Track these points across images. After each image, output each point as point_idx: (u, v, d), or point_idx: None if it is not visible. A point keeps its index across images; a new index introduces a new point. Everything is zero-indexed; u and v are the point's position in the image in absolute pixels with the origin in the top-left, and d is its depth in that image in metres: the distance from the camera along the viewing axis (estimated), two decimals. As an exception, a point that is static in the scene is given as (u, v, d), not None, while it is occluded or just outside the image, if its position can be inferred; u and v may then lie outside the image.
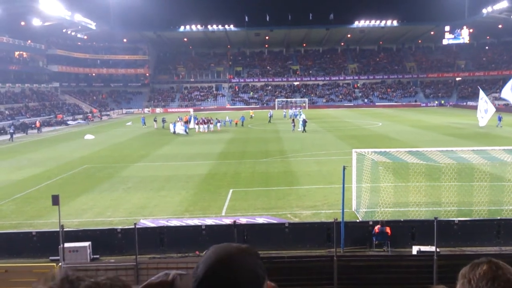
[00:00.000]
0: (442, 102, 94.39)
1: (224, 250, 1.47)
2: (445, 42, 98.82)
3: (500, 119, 48.32)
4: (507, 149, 18.66)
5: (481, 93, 49.05)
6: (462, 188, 19.14)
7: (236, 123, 55.92)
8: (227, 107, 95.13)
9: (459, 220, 14.93)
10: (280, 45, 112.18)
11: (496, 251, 13.95)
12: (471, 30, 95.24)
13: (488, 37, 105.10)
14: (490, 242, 14.51)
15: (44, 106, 75.46)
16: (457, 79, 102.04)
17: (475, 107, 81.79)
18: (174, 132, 48.06)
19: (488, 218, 15.79)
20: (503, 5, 79.81)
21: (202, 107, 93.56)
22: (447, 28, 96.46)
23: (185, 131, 48.00)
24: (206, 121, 51.44)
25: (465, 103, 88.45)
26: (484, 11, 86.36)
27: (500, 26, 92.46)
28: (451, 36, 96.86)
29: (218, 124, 52.31)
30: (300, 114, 56.38)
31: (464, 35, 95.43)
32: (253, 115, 67.96)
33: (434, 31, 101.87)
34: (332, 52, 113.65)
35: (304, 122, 47.78)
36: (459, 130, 45.56)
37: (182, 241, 14.62)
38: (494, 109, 47.03)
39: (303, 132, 46.50)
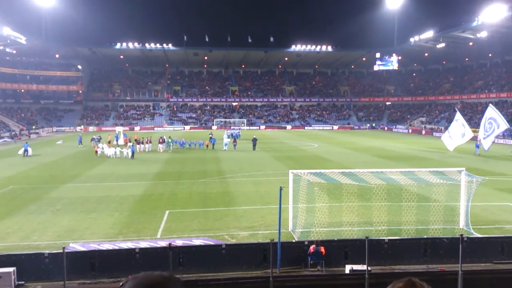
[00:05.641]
0: (373, 125, 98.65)
1: (149, 280, 1.41)
2: (376, 68, 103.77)
3: (478, 146, 45.06)
4: (432, 171, 19.78)
5: (458, 115, 45.09)
6: (391, 208, 19.92)
7: (207, 145, 52.41)
8: (164, 126, 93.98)
9: (389, 239, 15.47)
10: (219, 66, 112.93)
11: (424, 269, 14.54)
12: (399, 58, 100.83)
13: (415, 65, 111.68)
14: (417, 260, 15.11)
15: (-33, 123, 70.88)
16: (387, 103, 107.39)
17: (403, 130, 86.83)
18: (108, 155, 43.63)
19: (415, 237, 16.48)
20: (428, 34, 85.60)
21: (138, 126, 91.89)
22: (377, 55, 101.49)
23: (131, 154, 42.74)
24: (161, 140, 49.80)
25: (394, 126, 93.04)
26: (412, 40, 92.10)
27: (426, 54, 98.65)
28: (381, 62, 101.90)
29: (160, 146, 49.11)
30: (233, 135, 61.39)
31: (393, 62, 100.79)
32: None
33: (365, 57, 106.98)
34: (270, 74, 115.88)
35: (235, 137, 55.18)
36: (388, 152, 47.56)
37: (115, 266, 14.08)
38: (472, 134, 43.44)
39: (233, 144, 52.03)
